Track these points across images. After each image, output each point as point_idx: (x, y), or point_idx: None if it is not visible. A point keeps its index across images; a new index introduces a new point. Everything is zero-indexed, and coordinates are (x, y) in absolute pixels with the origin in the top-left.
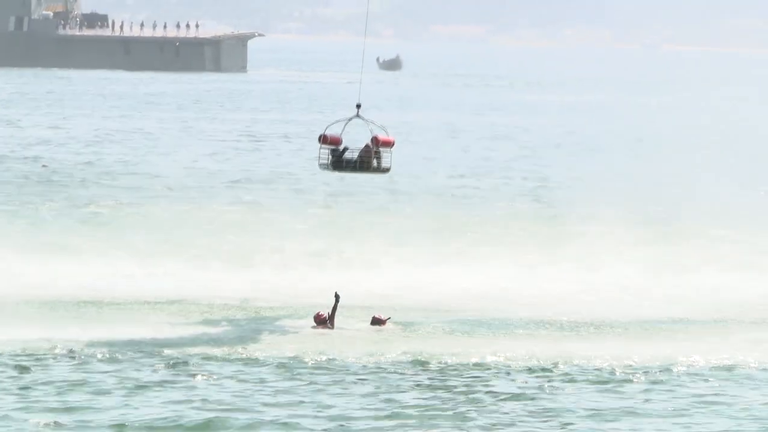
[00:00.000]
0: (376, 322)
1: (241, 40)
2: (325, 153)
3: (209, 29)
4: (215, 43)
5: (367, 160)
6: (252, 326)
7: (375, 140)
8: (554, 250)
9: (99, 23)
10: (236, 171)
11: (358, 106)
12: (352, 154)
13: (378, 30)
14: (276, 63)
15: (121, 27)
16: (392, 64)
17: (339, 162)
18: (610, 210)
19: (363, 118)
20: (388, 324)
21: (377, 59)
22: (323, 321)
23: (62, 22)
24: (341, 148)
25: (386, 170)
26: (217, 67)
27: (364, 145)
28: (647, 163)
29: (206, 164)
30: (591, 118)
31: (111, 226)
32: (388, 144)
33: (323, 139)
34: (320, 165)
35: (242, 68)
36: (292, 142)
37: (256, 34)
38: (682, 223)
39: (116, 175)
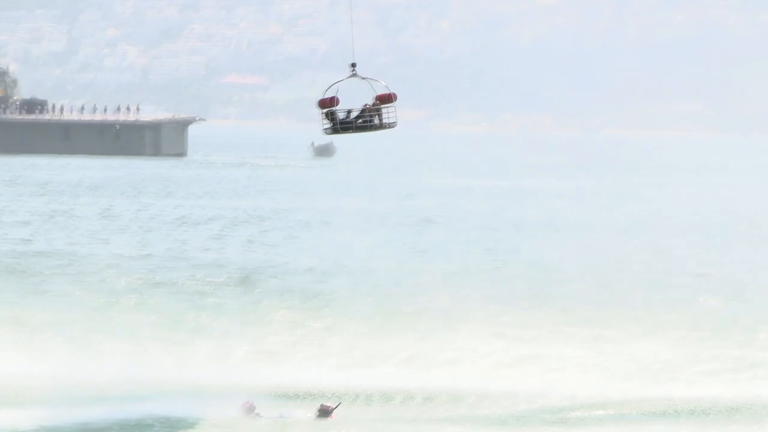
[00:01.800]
0: (323, 412)
1: (181, 125)
2: (326, 117)
3: (149, 114)
4: (155, 127)
5: (370, 118)
6: None
7: (376, 97)
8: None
9: (38, 108)
10: (163, 257)
11: (353, 65)
12: (352, 114)
13: (317, 115)
14: (215, 148)
15: (61, 111)
16: (326, 150)
17: (344, 123)
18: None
19: (360, 77)
20: (336, 412)
21: (311, 144)
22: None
23: (2, 106)
24: (345, 110)
25: (392, 125)
26: (157, 152)
27: (363, 105)
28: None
29: (130, 251)
30: (519, 202)
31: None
32: (389, 99)
33: (321, 103)
34: (324, 130)
35: (182, 153)
36: (211, 226)
37: (197, 119)
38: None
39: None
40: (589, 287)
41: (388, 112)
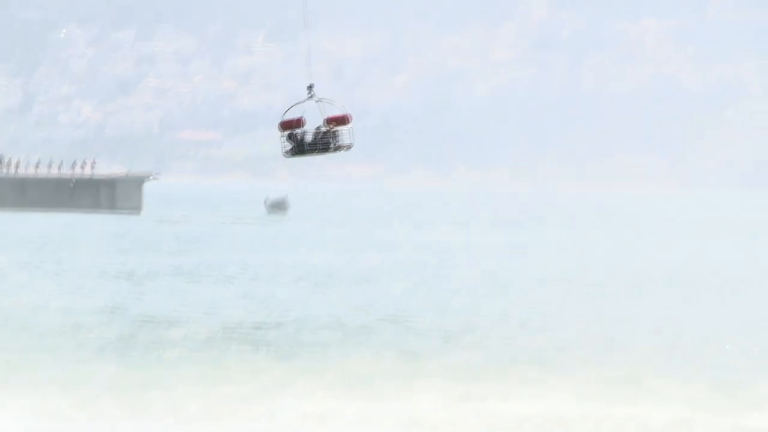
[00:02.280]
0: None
1: (137, 181)
2: (286, 139)
3: (104, 169)
4: (110, 183)
5: (325, 140)
6: None
7: (326, 120)
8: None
9: None
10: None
11: (310, 86)
12: (308, 136)
13: (274, 170)
14: (170, 203)
15: (17, 166)
16: (279, 206)
17: (301, 146)
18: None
19: (317, 99)
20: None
21: (265, 200)
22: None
23: None
24: (300, 131)
25: (349, 147)
26: (113, 207)
27: (316, 127)
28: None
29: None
30: (471, 256)
31: None
32: (344, 121)
33: (284, 125)
34: (284, 153)
35: (137, 208)
36: (158, 281)
37: (152, 175)
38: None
39: None
40: (540, 342)
41: (344, 135)
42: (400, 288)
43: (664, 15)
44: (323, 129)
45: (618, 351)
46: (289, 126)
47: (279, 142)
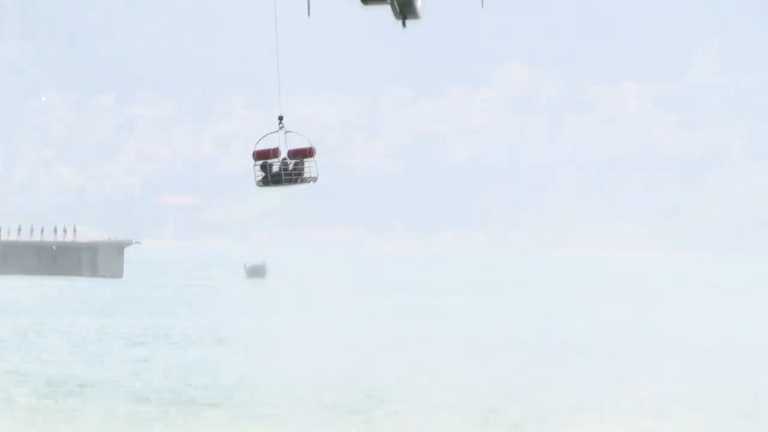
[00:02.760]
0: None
1: (118, 247)
2: (259, 169)
3: (86, 234)
4: (92, 248)
5: (288, 173)
6: None
7: (290, 152)
8: None
9: None
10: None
11: (281, 118)
12: (275, 167)
13: (254, 235)
14: (150, 268)
15: None
16: (258, 271)
17: (275, 177)
18: None
19: (285, 131)
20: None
21: (244, 265)
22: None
23: None
24: (271, 162)
25: (314, 179)
26: (94, 273)
27: (281, 159)
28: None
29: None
30: (445, 322)
31: None
32: (304, 153)
33: (258, 155)
34: (256, 182)
35: (118, 274)
36: (137, 347)
37: (133, 241)
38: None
39: None
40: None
41: (309, 167)
42: (380, 354)
43: (644, 78)
44: (287, 161)
45: (607, 415)
46: (264, 156)
47: (252, 170)
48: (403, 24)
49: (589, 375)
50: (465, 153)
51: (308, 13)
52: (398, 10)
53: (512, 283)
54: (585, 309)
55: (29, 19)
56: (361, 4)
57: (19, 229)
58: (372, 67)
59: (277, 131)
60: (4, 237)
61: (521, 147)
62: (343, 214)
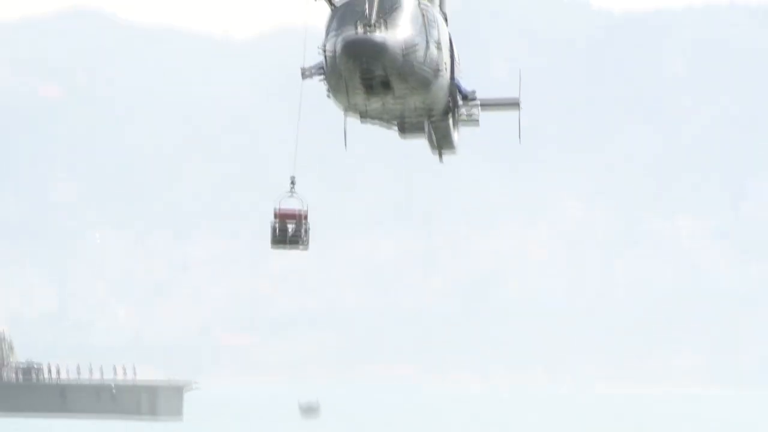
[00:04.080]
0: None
1: (177, 388)
2: (274, 229)
3: (145, 374)
4: (151, 390)
5: (281, 235)
6: None
7: (280, 215)
8: None
9: (35, 372)
10: None
11: (292, 179)
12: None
13: (309, 372)
14: (209, 409)
15: (57, 372)
16: (312, 409)
17: (281, 237)
18: None
19: (292, 194)
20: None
21: (298, 402)
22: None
23: None
24: (290, 225)
25: (301, 245)
26: (154, 414)
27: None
28: None
29: None
30: None
31: None
32: (291, 216)
33: (275, 214)
34: (271, 242)
35: (178, 415)
36: None
37: (193, 384)
38: None
39: None
40: None
41: (299, 232)
42: None
43: (698, 212)
44: (276, 223)
45: None
46: (286, 216)
47: (270, 228)
48: (440, 157)
49: None
50: (521, 289)
51: (345, 145)
52: (435, 143)
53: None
54: None
55: (84, 160)
56: (399, 136)
57: (78, 369)
58: (429, 204)
59: (287, 193)
60: (63, 376)
61: (576, 282)
62: (397, 352)
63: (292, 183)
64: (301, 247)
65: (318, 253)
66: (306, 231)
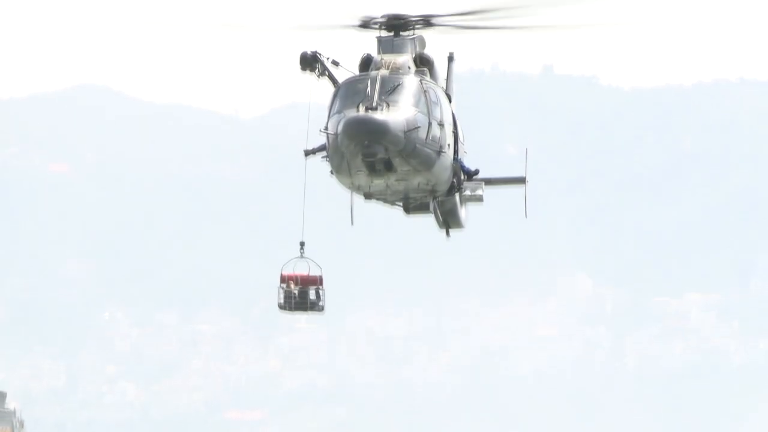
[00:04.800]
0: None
1: None
2: (281, 293)
3: None
4: None
5: (290, 300)
6: None
7: (294, 278)
8: None
9: None
10: None
11: (302, 244)
12: (281, 295)
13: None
14: None
15: None
16: None
17: (288, 302)
18: None
19: (304, 258)
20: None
21: None
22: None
23: None
24: (295, 289)
25: (317, 309)
26: None
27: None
28: None
29: None
30: None
31: None
32: (307, 281)
33: (282, 278)
34: (278, 306)
35: None
36: None
37: None
38: None
39: None
40: None
41: (316, 296)
42: None
43: (707, 288)
44: (289, 288)
45: None
46: (287, 280)
47: (276, 292)
48: (447, 233)
49: None
50: (530, 365)
51: (351, 222)
52: (441, 219)
53: None
54: None
55: (92, 238)
56: (404, 213)
57: None
58: (436, 278)
59: (296, 258)
60: None
61: (585, 358)
62: (408, 427)
63: (302, 246)
64: (316, 310)
65: (328, 330)
66: (320, 295)
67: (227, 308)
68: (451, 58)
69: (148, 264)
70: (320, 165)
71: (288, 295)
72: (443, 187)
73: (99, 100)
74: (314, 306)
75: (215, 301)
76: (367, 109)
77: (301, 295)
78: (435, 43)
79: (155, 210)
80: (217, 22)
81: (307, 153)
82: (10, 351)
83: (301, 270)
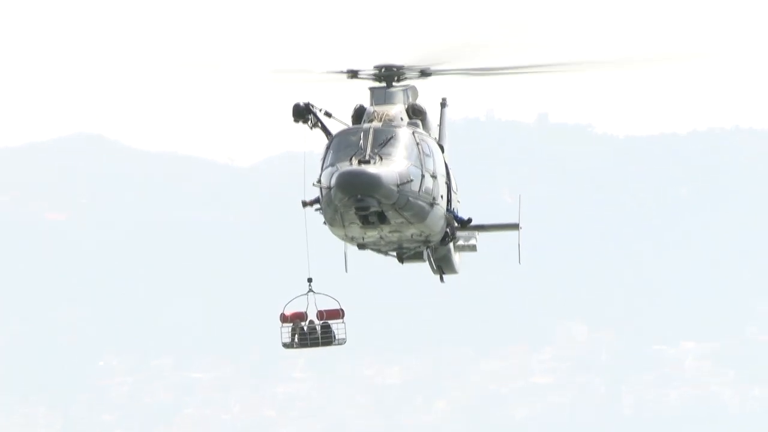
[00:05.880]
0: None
1: None
2: (287, 331)
3: None
4: None
5: (315, 335)
6: None
7: (319, 314)
8: None
9: None
10: None
11: (310, 280)
12: (305, 330)
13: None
14: None
15: None
16: None
17: (302, 338)
18: None
19: (314, 292)
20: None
21: None
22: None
23: None
24: (304, 324)
25: (342, 342)
26: None
27: (308, 321)
28: None
29: None
30: None
31: None
32: (332, 315)
33: (283, 318)
34: (283, 344)
35: None
36: None
37: None
38: None
39: None
40: None
41: (337, 329)
42: None
43: (703, 337)
44: (316, 323)
45: None
46: (292, 318)
47: (279, 333)
48: (441, 279)
49: None
50: (525, 412)
51: (345, 269)
52: (435, 266)
53: None
54: None
55: (86, 284)
56: (398, 262)
57: None
58: (431, 325)
59: (306, 294)
60: None
61: (580, 406)
62: None
63: (310, 282)
64: (339, 343)
65: (324, 379)
66: (322, 329)
67: (223, 355)
68: (443, 104)
69: (143, 311)
70: (314, 213)
71: (309, 330)
72: (436, 238)
73: (94, 148)
74: (336, 339)
75: (210, 347)
76: (360, 162)
77: (324, 329)
78: (428, 89)
79: (150, 257)
80: (211, 69)
81: (305, 204)
82: (5, 398)
83: (300, 308)
